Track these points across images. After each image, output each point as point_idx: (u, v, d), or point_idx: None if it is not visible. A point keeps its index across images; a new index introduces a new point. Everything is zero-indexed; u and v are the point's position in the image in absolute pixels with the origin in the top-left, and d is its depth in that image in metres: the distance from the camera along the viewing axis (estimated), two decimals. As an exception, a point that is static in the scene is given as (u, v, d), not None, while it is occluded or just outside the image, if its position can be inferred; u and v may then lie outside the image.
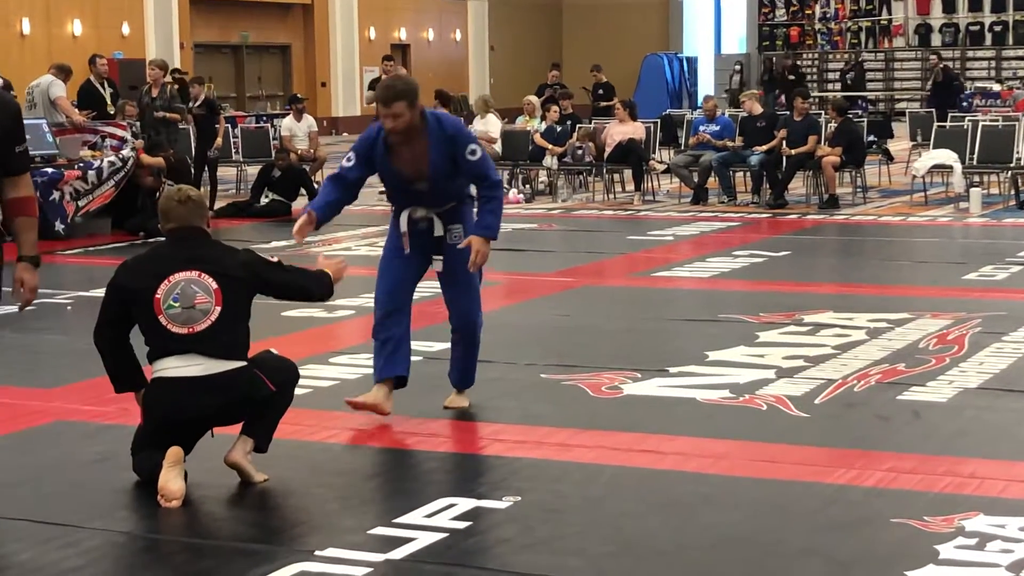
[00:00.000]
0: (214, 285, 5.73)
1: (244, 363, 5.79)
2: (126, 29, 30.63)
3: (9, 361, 8.89)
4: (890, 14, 39.94)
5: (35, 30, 28.62)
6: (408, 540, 5.22)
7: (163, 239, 5.98)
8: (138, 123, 17.16)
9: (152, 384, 5.84)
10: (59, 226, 14.66)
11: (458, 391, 7.31)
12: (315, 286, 6.11)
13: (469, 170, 6.84)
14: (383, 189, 20.29)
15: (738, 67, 34.74)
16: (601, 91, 27.63)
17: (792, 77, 31.33)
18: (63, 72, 17.54)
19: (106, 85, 19.32)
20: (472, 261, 6.82)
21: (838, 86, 37.20)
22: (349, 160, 6.91)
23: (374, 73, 34.89)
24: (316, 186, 17.74)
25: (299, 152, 19.28)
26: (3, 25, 28.50)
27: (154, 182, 15.45)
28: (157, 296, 5.70)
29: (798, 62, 35.20)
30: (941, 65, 29.15)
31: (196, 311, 5.69)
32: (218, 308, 5.72)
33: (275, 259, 6.06)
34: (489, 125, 19.59)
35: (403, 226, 6.96)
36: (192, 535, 5.39)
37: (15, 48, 28.14)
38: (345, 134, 35.22)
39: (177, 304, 5.68)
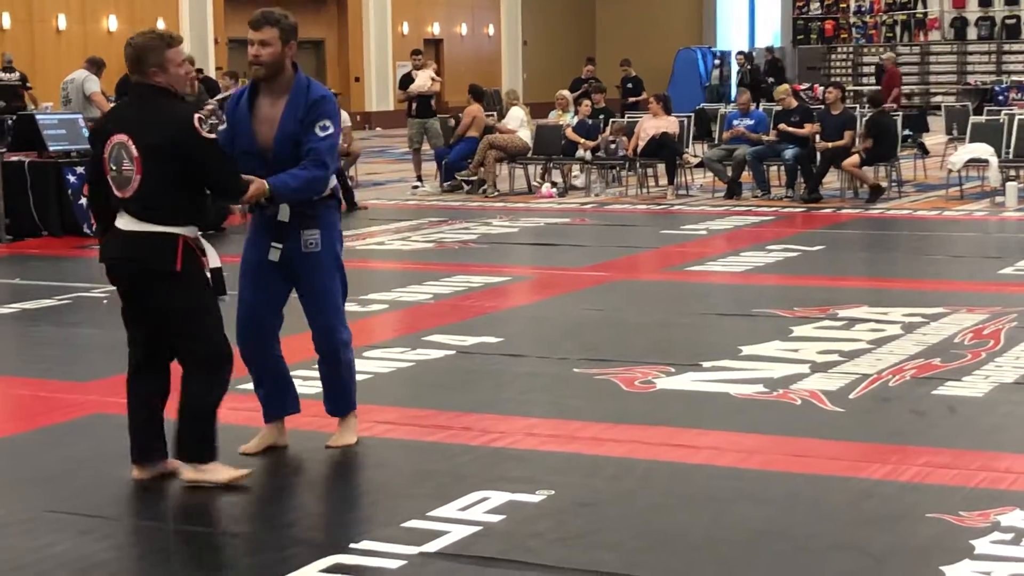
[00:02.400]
0: (135, 153, 5.66)
1: (167, 229, 5.71)
2: (161, 25, 30.72)
3: (46, 355, 8.95)
4: (925, 8, 39.74)
5: (71, 26, 28.80)
6: (442, 533, 5.23)
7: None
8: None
9: (106, 236, 5.96)
10: (87, 229, 14.61)
11: (339, 420, 6.47)
12: (232, 184, 5.87)
13: (308, 144, 5.98)
14: (415, 183, 20.57)
15: (740, 59, 34.25)
16: (630, 85, 27.56)
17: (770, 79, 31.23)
18: (96, 66, 17.62)
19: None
20: (248, 194, 5.91)
21: (873, 80, 37.01)
22: (224, 127, 6.45)
23: (407, 68, 34.98)
24: (350, 182, 17.77)
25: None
26: (39, 21, 28.68)
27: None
28: (104, 156, 5.76)
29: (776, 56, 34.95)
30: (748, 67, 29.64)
31: (123, 176, 5.70)
32: (138, 176, 5.66)
33: (213, 137, 5.84)
34: (509, 118, 19.58)
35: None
36: (228, 528, 5.41)
37: (51, 44, 28.34)
38: (379, 129, 35.30)
39: (114, 168, 5.71)
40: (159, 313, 5.76)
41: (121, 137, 5.68)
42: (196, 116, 5.69)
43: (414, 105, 20.40)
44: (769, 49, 36.30)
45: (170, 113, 5.73)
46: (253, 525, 5.50)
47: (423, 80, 20.35)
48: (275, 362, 6.32)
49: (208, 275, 5.80)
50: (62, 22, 29.03)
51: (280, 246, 6.08)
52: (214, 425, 5.81)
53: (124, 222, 5.72)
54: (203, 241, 5.80)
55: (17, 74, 25.02)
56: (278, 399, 6.36)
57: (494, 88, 33.99)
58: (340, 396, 6.42)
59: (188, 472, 5.76)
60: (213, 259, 5.82)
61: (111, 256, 5.80)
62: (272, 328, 6.28)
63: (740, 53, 34.05)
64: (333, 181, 6.23)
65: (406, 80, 20.81)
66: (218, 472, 5.77)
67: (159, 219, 5.68)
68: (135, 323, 5.87)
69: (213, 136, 5.80)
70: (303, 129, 6.01)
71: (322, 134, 6.02)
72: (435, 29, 39.29)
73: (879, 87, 24.25)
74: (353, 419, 6.47)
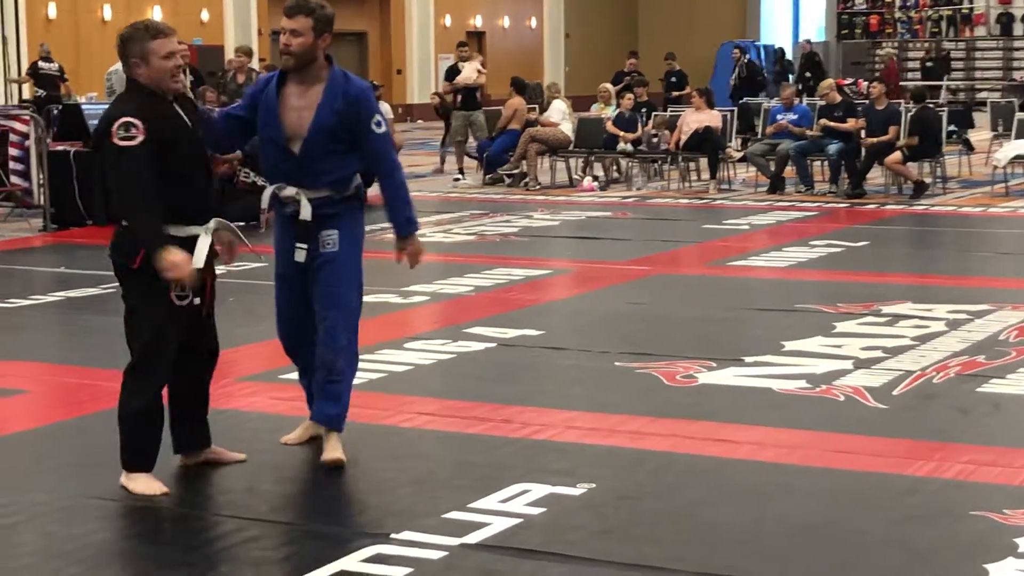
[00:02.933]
0: None
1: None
2: (205, 16, 30.93)
3: (90, 343, 9.01)
4: (971, 3, 39.48)
5: (116, 16, 28.94)
6: (483, 525, 5.23)
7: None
8: (217, 110, 17.28)
9: None
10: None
11: (327, 431, 6.05)
12: (119, 199, 5.57)
13: (369, 145, 5.86)
14: (457, 176, 20.61)
15: (736, 54, 33.93)
16: (674, 79, 27.49)
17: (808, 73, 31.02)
18: None
19: (187, 71, 19.45)
20: (412, 265, 6.09)
21: (917, 75, 36.82)
22: (241, 102, 6.25)
23: (449, 60, 34.99)
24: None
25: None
26: (85, 12, 28.87)
27: (229, 168, 15.56)
28: None
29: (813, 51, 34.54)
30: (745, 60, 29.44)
31: None
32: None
33: (122, 145, 5.44)
34: (552, 111, 19.57)
35: (264, 201, 5.99)
36: (269, 518, 5.43)
37: (96, 34, 28.50)
38: (420, 121, 35.34)
39: None
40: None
41: None
42: (118, 121, 5.40)
43: (459, 97, 20.44)
44: (808, 42, 36.05)
45: (106, 114, 5.56)
46: (293, 515, 5.51)
47: (469, 72, 20.40)
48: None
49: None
50: (107, 12, 29.19)
51: (305, 246, 5.85)
52: (137, 432, 5.63)
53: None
54: (203, 239, 5.54)
55: (56, 64, 25.22)
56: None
57: (536, 81, 33.98)
58: (328, 403, 6.02)
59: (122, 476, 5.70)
60: (198, 259, 5.51)
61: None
62: (312, 328, 6.03)
63: (736, 47, 33.70)
64: (357, 180, 6.01)
65: (452, 72, 20.84)
66: (138, 483, 5.60)
67: (122, 216, 5.53)
68: None
69: (123, 144, 5.38)
70: (344, 127, 5.81)
71: (379, 131, 5.85)
72: (477, 21, 39.31)
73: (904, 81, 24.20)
74: (338, 441, 6.04)
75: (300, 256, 5.85)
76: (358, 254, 5.99)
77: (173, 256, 5.31)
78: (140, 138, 5.33)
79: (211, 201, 5.66)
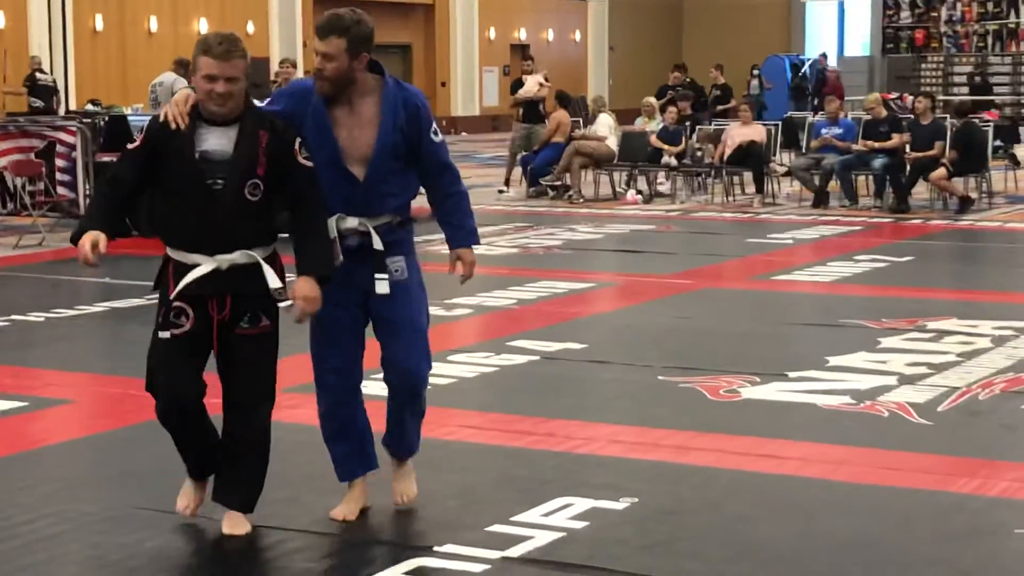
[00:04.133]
0: None
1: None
2: (251, 28, 31.08)
3: (136, 353, 9.04)
4: (1018, 17, 39.20)
5: (162, 28, 29.16)
6: (526, 538, 5.24)
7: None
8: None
9: None
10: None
11: (399, 462, 5.67)
12: None
13: (432, 157, 5.38)
14: (502, 188, 20.60)
15: (808, 67, 33.56)
16: (718, 92, 27.42)
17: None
18: (184, 68, 17.81)
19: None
20: (464, 276, 5.60)
21: (964, 90, 36.60)
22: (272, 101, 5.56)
23: (493, 73, 35.10)
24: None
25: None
26: (131, 23, 29.07)
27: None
28: None
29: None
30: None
31: None
32: None
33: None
34: (598, 125, 19.57)
35: (332, 231, 5.26)
36: (313, 529, 5.45)
37: (143, 46, 28.71)
38: (464, 133, 35.43)
39: None
40: None
41: None
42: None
43: (521, 110, 20.58)
44: (824, 56, 35.71)
45: None
46: (335, 527, 5.53)
47: (531, 85, 20.51)
48: (363, 417, 5.59)
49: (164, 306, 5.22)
50: (154, 24, 29.38)
51: (386, 276, 5.34)
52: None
53: None
54: (201, 268, 5.09)
55: (51, 76, 25.47)
56: (361, 454, 5.61)
57: (580, 94, 34.02)
58: (408, 435, 5.64)
59: None
60: (183, 283, 5.12)
61: None
62: (360, 385, 5.56)
63: (753, 66, 33.50)
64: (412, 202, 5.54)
65: (516, 85, 20.97)
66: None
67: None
68: None
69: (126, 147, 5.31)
70: (407, 142, 5.31)
71: (438, 139, 5.40)
72: (522, 35, 39.36)
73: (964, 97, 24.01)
74: (411, 466, 5.73)
75: (383, 288, 5.32)
76: (421, 279, 5.57)
77: (82, 240, 5.04)
78: (135, 144, 5.21)
79: (227, 232, 5.06)
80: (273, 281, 5.12)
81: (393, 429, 5.61)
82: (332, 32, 5.17)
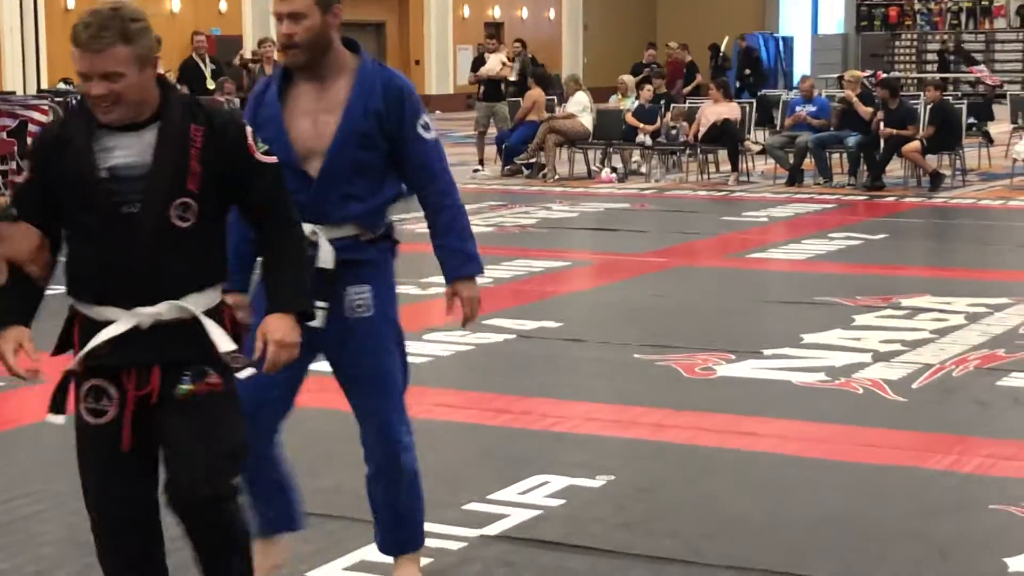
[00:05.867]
0: None
1: None
2: (223, 6, 30.94)
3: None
4: (992, -6, 39.35)
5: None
6: (503, 516, 5.26)
7: None
8: (236, 100, 17.32)
9: None
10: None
11: (395, 560, 4.55)
12: None
13: (417, 156, 4.27)
14: (476, 167, 20.58)
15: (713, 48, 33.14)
16: (685, 71, 27.37)
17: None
18: None
19: (207, 61, 19.52)
20: (466, 317, 4.42)
21: (935, 67, 36.69)
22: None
23: (467, 51, 34.95)
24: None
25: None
26: (102, 2, 28.86)
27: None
28: None
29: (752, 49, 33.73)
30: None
31: None
32: None
33: None
34: (572, 103, 19.53)
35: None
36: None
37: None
38: (438, 112, 35.31)
39: None
40: None
41: None
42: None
43: (482, 88, 20.52)
44: (742, 37, 35.48)
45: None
46: (311, 505, 5.53)
47: (493, 63, 20.45)
48: (273, 464, 4.44)
49: None
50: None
51: (326, 306, 4.13)
52: None
53: None
54: (113, 326, 3.72)
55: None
56: (275, 512, 4.52)
57: (554, 72, 33.96)
58: (403, 522, 4.50)
59: None
60: (87, 348, 3.80)
61: None
62: (275, 417, 4.35)
63: (711, 46, 33.17)
64: (389, 214, 4.40)
65: (478, 63, 20.90)
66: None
67: None
68: None
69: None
70: (379, 128, 4.22)
71: (428, 136, 4.29)
72: (496, 12, 39.29)
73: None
74: (415, 562, 4.58)
75: (320, 320, 4.07)
76: (396, 316, 4.45)
77: None
78: (23, 176, 3.80)
79: (147, 275, 3.62)
80: (222, 343, 3.68)
81: (379, 519, 4.54)
82: None
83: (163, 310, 3.64)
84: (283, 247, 3.78)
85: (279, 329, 3.71)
